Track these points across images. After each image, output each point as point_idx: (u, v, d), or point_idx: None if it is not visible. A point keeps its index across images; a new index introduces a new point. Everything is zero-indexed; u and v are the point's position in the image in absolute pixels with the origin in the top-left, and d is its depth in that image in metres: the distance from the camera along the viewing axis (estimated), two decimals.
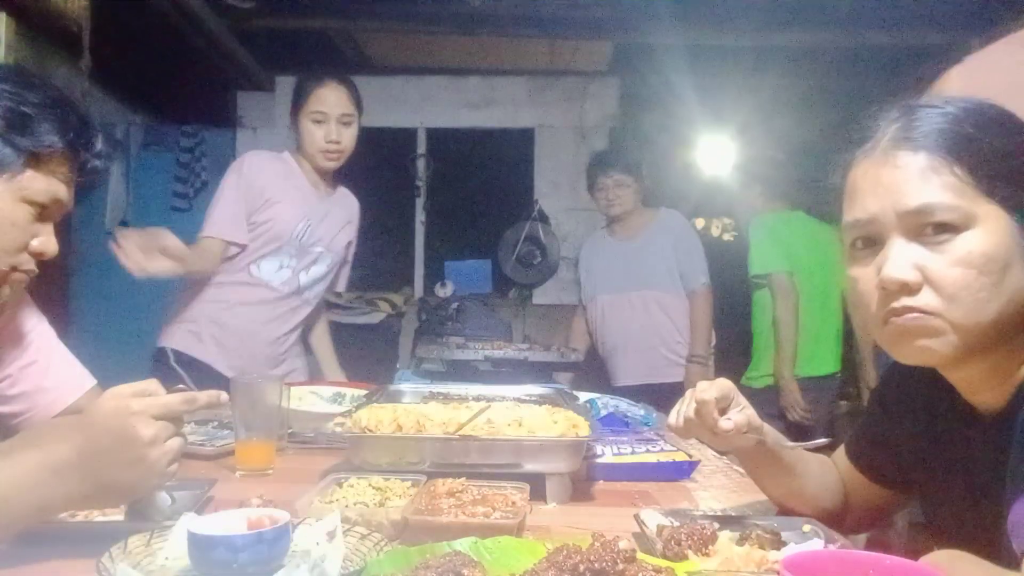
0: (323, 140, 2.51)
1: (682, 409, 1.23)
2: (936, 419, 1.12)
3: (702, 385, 1.22)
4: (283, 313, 2.58)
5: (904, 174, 0.95)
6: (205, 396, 1.11)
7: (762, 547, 1.07)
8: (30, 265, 1.26)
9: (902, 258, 0.95)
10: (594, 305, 3.73)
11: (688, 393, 1.24)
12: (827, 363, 3.75)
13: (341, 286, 2.86)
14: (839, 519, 1.28)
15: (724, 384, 1.22)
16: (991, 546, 0.96)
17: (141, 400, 1.03)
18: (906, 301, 0.95)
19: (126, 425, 1.01)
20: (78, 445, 1.01)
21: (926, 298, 0.94)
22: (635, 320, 3.59)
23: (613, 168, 3.61)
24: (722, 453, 1.70)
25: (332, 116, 2.51)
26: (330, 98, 2.52)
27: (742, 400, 1.23)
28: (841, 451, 1.32)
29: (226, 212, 2.47)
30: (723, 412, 1.21)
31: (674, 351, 3.57)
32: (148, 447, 1.01)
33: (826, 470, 1.30)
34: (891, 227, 0.96)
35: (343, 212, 2.72)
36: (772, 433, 1.26)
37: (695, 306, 3.60)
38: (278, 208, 2.51)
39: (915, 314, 0.95)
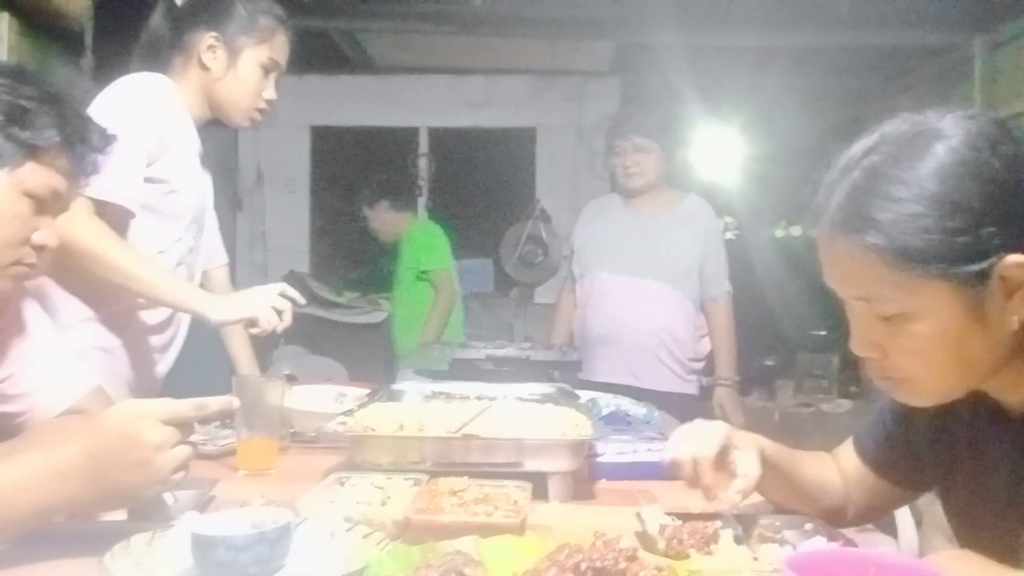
0: (263, 97, 1.96)
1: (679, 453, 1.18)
2: (958, 418, 1.09)
3: (691, 435, 1.18)
4: (176, 314, 1.97)
5: (843, 261, 0.94)
6: (216, 403, 1.10)
7: (764, 546, 1.07)
8: (32, 259, 1.26)
9: (861, 334, 0.96)
10: (587, 282, 3.08)
11: (677, 434, 1.20)
12: None
13: (224, 256, 2.26)
14: (840, 514, 1.27)
15: (720, 432, 1.18)
16: (1015, 542, 0.95)
17: (150, 404, 1.03)
18: (875, 366, 0.98)
19: (133, 428, 1.01)
20: (83, 447, 1.01)
21: (892, 364, 0.96)
22: (636, 310, 2.96)
23: (634, 129, 2.96)
24: None
25: (279, 70, 1.99)
26: (286, 47, 1.98)
27: (737, 440, 1.18)
28: (847, 446, 1.29)
29: (130, 168, 1.72)
30: (721, 463, 1.17)
31: (671, 356, 2.99)
32: (154, 451, 1.01)
33: (824, 468, 1.29)
34: (849, 303, 0.97)
35: (205, 165, 2.09)
36: (767, 443, 1.23)
37: (717, 318, 3.05)
38: (184, 169, 1.89)
39: (885, 377, 0.97)
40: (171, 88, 1.90)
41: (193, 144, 1.95)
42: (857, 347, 0.96)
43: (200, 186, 1.99)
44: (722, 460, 1.16)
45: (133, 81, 1.84)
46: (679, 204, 3.04)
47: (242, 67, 1.91)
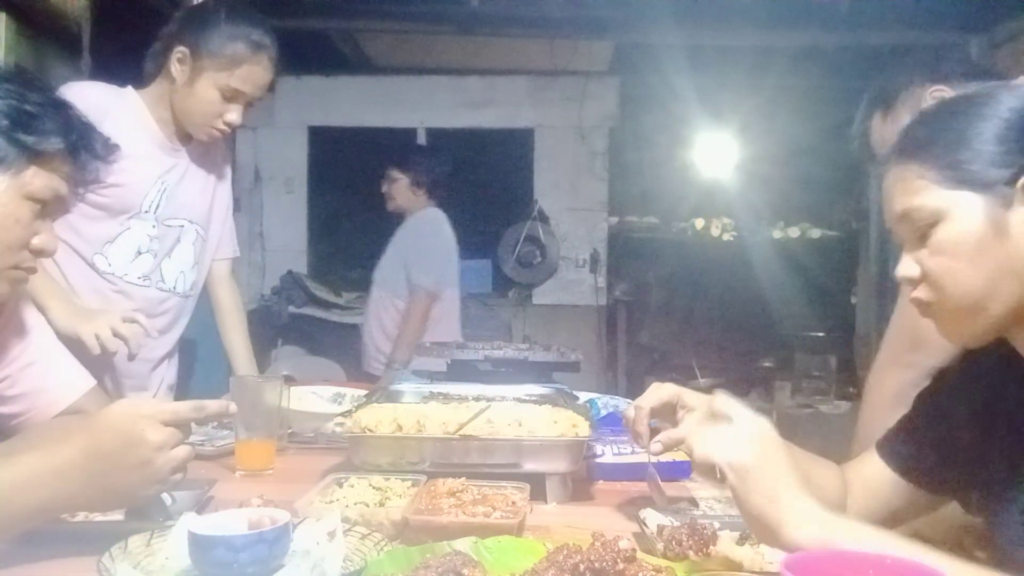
0: (219, 119, 1.97)
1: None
2: (999, 417, 1.09)
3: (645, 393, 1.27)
4: (151, 317, 1.94)
5: (889, 186, 1.06)
6: (214, 405, 1.13)
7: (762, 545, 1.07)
8: (31, 263, 1.26)
9: (906, 258, 1.05)
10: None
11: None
12: None
13: (231, 250, 2.27)
14: None
15: (665, 391, 1.25)
16: None
17: (152, 405, 1.04)
18: (913, 293, 1.05)
19: (135, 428, 1.01)
20: (84, 446, 1.01)
21: (922, 290, 1.04)
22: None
23: (393, 163, 3.66)
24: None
25: (246, 98, 1.99)
26: (257, 78, 1.98)
27: (690, 402, 1.24)
28: (866, 457, 1.26)
29: None
30: (670, 418, 1.24)
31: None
32: (155, 451, 1.02)
33: (820, 472, 1.26)
34: (900, 233, 1.06)
35: (205, 165, 2.11)
36: None
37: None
38: (126, 165, 1.76)
39: (921, 306, 1.05)
40: (111, 95, 1.98)
41: (148, 145, 1.99)
42: (899, 269, 1.06)
43: (155, 183, 2.00)
44: (671, 416, 1.25)
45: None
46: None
47: (198, 86, 1.94)
